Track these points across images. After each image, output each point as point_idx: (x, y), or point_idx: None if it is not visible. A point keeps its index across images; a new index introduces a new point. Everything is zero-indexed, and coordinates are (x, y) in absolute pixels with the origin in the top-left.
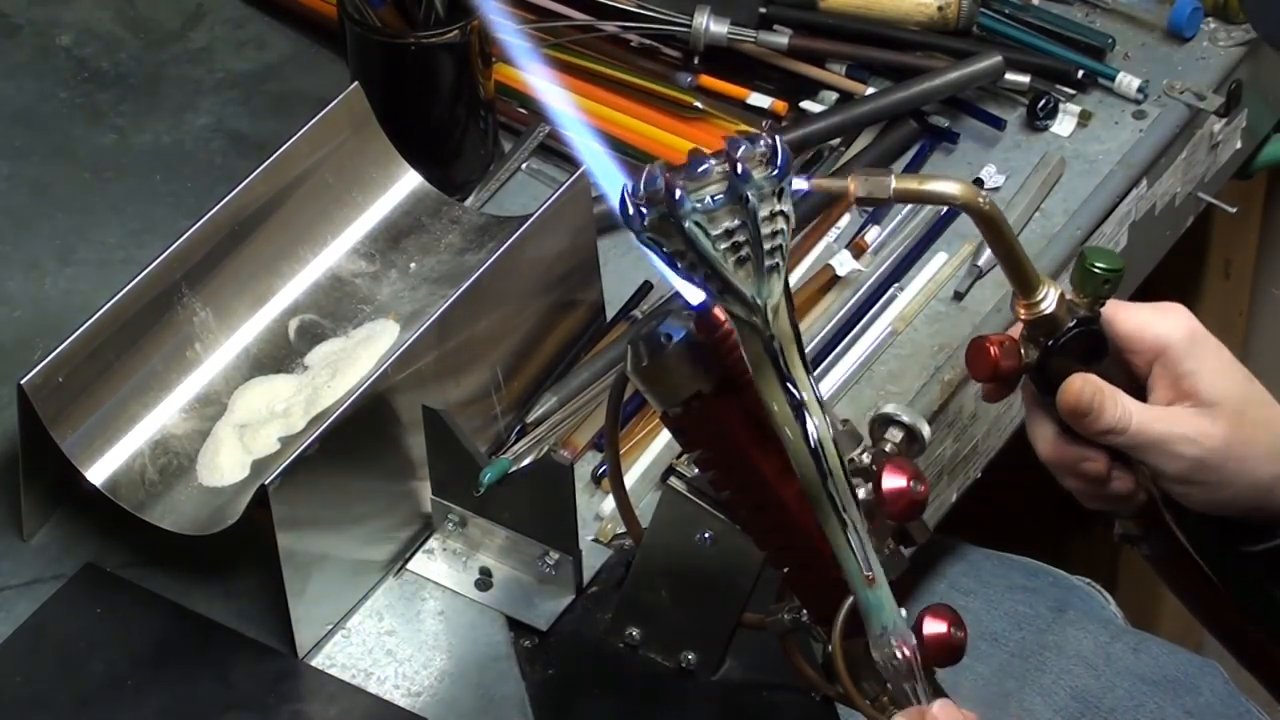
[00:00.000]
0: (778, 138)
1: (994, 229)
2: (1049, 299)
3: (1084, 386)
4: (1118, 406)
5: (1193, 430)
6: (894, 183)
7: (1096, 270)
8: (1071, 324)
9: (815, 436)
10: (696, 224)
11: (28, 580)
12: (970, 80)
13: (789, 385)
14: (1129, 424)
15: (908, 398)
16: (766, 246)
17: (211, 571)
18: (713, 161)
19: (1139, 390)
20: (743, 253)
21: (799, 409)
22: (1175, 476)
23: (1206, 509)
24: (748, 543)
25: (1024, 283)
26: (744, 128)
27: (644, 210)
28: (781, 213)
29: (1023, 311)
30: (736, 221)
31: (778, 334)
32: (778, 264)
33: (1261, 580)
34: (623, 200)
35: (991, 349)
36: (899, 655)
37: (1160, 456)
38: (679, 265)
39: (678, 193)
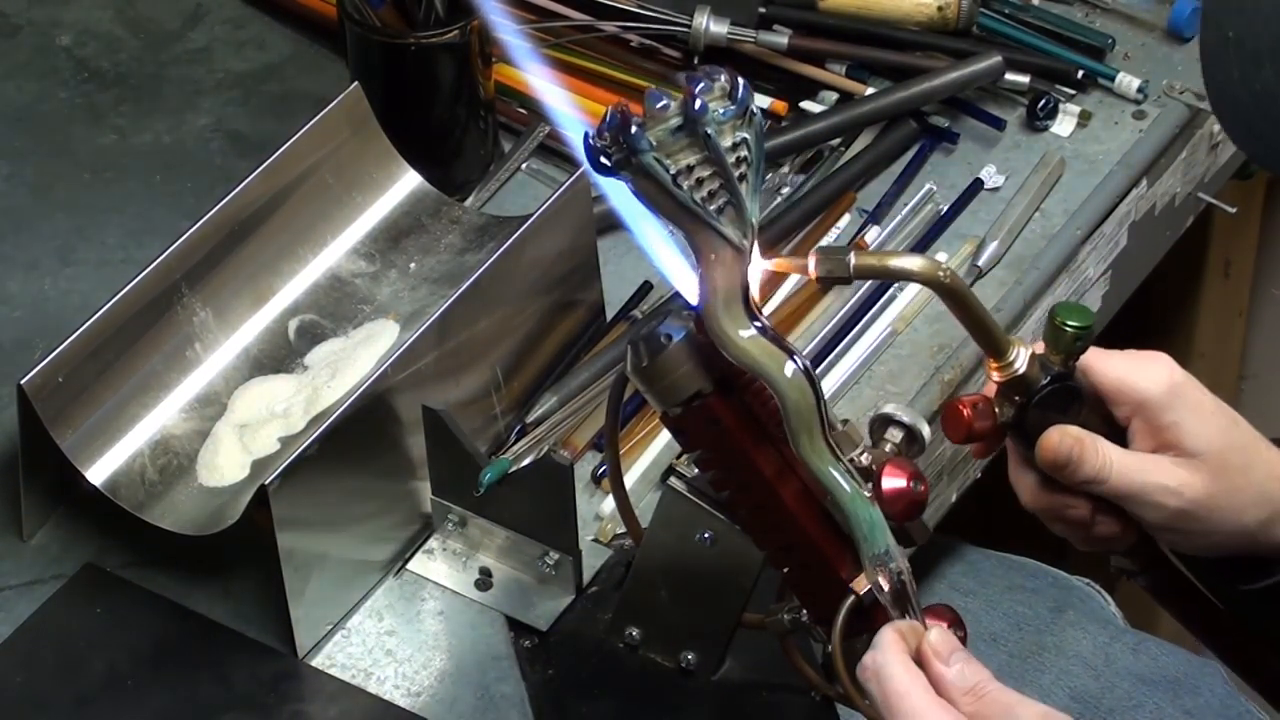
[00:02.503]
0: (738, 75)
1: (958, 300)
2: (1020, 359)
3: (1061, 439)
4: (1098, 455)
5: (1174, 481)
6: (854, 259)
7: (1068, 328)
8: (1045, 381)
9: (800, 361)
10: (656, 160)
11: (28, 580)
12: (970, 80)
13: (757, 316)
14: (1109, 474)
15: (908, 398)
16: (736, 173)
17: (211, 571)
18: (668, 99)
19: (1121, 434)
20: (710, 187)
21: (779, 340)
22: (1157, 525)
23: (1193, 553)
24: (748, 543)
25: (994, 348)
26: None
27: (632, 141)
28: (744, 140)
29: (996, 374)
30: (697, 157)
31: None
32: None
33: (1261, 615)
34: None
35: (964, 411)
36: (901, 574)
37: (1141, 506)
38: (679, 190)
39: (633, 129)
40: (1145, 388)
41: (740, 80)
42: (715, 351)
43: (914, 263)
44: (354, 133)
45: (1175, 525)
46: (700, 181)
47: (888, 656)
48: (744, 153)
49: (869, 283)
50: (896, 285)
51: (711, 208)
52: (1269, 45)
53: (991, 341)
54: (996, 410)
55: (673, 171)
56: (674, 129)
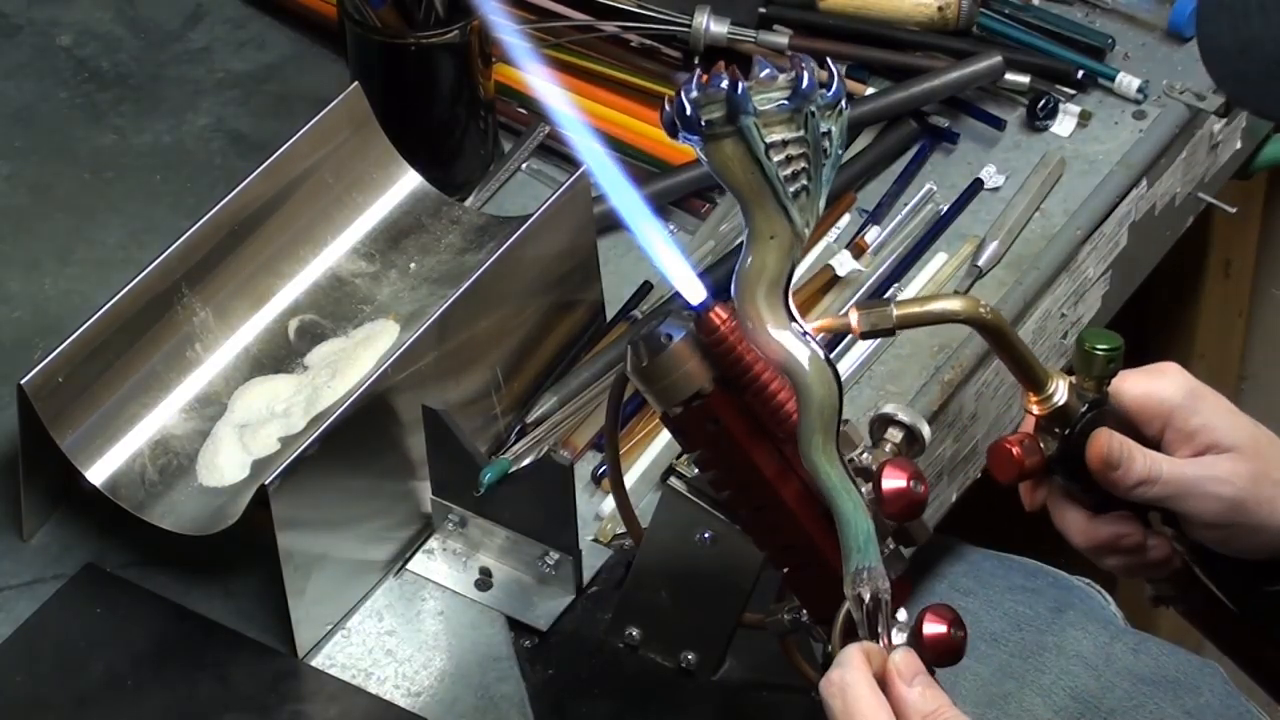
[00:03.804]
0: (835, 68)
1: (999, 337)
2: (1060, 392)
3: (1110, 439)
4: (1146, 457)
5: (1223, 471)
6: (896, 310)
7: (1099, 352)
8: (1084, 409)
9: (828, 356)
10: (755, 125)
11: (28, 580)
12: (970, 80)
13: (794, 314)
14: (1161, 472)
15: (908, 398)
16: (824, 162)
17: (211, 571)
18: (774, 69)
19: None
20: (796, 166)
21: (808, 334)
22: (1211, 520)
23: (1239, 554)
24: (748, 543)
25: (1033, 381)
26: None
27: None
28: (830, 131)
29: (1036, 408)
30: (795, 133)
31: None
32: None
33: None
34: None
35: (1013, 450)
36: (880, 592)
37: (1197, 500)
38: (768, 162)
39: (740, 88)
40: (1168, 396)
41: (836, 71)
42: (715, 351)
43: (955, 303)
44: (354, 133)
45: (1228, 519)
46: (789, 159)
47: (855, 675)
48: (827, 144)
49: (869, 282)
50: (896, 285)
51: (791, 188)
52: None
53: (1031, 376)
54: (1041, 445)
55: (767, 142)
56: (779, 101)
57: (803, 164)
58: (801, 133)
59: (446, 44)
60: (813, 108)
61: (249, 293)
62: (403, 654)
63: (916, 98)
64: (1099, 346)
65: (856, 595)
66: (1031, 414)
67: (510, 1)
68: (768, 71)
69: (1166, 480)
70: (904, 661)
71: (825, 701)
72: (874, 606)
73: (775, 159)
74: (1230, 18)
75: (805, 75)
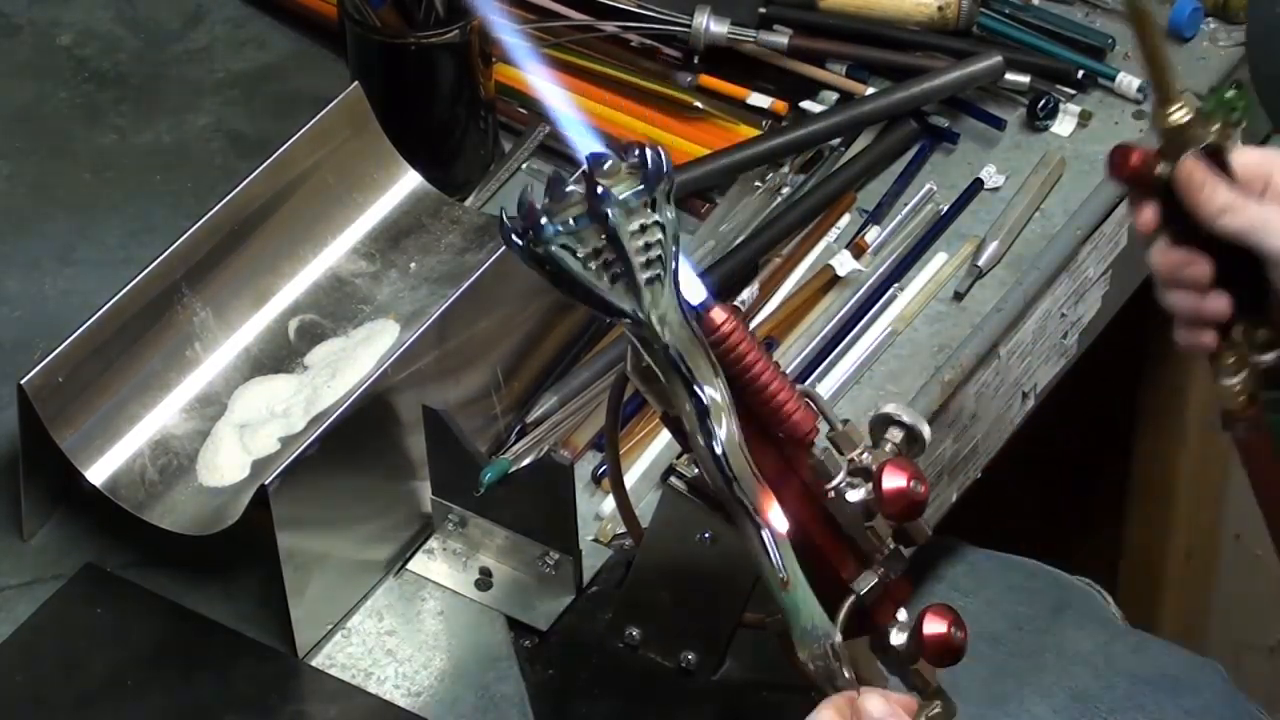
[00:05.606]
0: (648, 149)
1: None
2: (1182, 113)
3: (1198, 164)
4: (1232, 190)
5: None
6: None
7: (1224, 99)
8: (1200, 144)
9: (721, 441)
10: (564, 246)
11: (28, 580)
12: (970, 80)
13: (695, 389)
14: (1245, 202)
15: (908, 398)
16: (641, 260)
17: (211, 571)
18: (574, 184)
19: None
20: (615, 269)
21: (704, 416)
22: None
23: None
24: None
25: (1161, 92)
26: (742, 127)
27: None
28: (657, 223)
29: (1159, 119)
30: (603, 241)
31: (675, 342)
32: (658, 275)
33: None
34: (505, 228)
35: (1134, 154)
36: (825, 654)
37: (1276, 236)
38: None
39: (542, 219)
40: (1275, 159)
41: (650, 153)
42: (715, 351)
43: None
44: (354, 133)
45: None
46: (607, 264)
47: None
48: (656, 236)
49: (868, 283)
50: (896, 285)
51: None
52: None
53: (1161, 85)
54: (1159, 165)
55: (580, 255)
56: (578, 217)
57: (618, 268)
58: (606, 240)
59: (446, 44)
60: (611, 209)
61: (249, 293)
62: (403, 654)
63: (916, 98)
64: (1226, 94)
65: (804, 662)
66: (1156, 125)
67: (510, 1)
68: (568, 188)
69: (1251, 214)
70: (873, 705)
71: None
72: (825, 664)
73: (593, 267)
74: None
75: (598, 185)
